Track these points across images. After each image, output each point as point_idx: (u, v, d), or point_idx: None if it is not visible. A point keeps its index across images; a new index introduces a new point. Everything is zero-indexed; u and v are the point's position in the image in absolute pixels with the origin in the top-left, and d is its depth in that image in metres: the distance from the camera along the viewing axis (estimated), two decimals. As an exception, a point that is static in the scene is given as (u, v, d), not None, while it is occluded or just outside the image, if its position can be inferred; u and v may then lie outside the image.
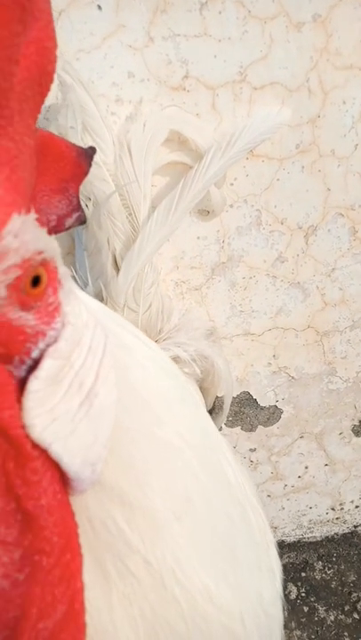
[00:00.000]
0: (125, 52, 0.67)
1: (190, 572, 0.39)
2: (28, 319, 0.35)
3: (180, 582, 0.38)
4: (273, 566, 0.51)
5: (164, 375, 0.46)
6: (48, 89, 0.39)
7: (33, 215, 0.35)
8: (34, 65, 0.37)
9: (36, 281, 0.35)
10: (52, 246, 0.37)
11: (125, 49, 0.67)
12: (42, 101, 0.39)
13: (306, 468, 1.11)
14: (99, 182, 0.70)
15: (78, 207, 0.46)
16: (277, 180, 0.76)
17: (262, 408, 1.01)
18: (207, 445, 0.46)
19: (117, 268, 0.77)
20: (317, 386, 0.99)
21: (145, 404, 0.42)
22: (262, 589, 0.46)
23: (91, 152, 0.47)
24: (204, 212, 0.79)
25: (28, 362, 0.36)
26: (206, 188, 0.71)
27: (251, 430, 1.04)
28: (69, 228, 0.45)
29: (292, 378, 0.97)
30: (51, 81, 0.39)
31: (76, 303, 0.41)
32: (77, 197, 0.46)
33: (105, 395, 0.38)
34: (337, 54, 0.68)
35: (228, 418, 1.02)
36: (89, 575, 0.34)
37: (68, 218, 0.45)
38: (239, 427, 1.03)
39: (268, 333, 0.92)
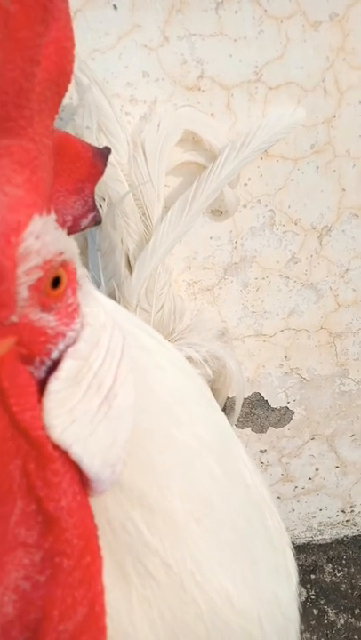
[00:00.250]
0: (140, 51, 0.67)
1: (209, 574, 0.38)
2: (49, 320, 0.35)
3: (199, 585, 0.38)
4: (289, 568, 0.50)
5: (181, 376, 0.46)
6: (66, 89, 0.39)
7: (53, 216, 0.35)
8: (53, 65, 0.37)
9: (55, 282, 0.35)
10: (71, 247, 0.37)
11: (140, 49, 0.67)
12: (60, 102, 0.39)
13: (316, 469, 1.11)
14: (113, 182, 0.70)
15: (94, 207, 0.45)
16: (292, 180, 0.76)
17: (273, 409, 1.01)
18: (225, 447, 0.46)
19: (130, 269, 0.76)
20: (329, 387, 0.98)
21: (163, 406, 0.42)
22: (280, 592, 0.46)
23: (106, 152, 0.47)
24: (217, 212, 0.79)
25: (48, 363, 0.35)
26: (220, 188, 0.71)
27: (261, 432, 1.04)
28: (85, 228, 0.45)
29: (304, 379, 0.97)
30: (69, 81, 0.39)
31: (94, 304, 0.41)
32: (93, 198, 0.46)
33: (124, 396, 0.38)
34: (353, 54, 0.68)
35: (238, 419, 1.02)
36: (109, 577, 0.34)
37: (83, 218, 0.45)
38: (250, 428, 1.03)
39: (280, 334, 0.91)
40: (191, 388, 0.46)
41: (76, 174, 0.44)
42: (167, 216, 0.71)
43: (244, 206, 0.78)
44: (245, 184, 0.76)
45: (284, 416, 1.02)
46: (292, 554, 0.52)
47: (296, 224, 0.79)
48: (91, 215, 0.46)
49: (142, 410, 0.40)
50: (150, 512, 0.38)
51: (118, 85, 0.69)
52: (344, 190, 0.77)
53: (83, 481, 0.35)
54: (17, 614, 0.30)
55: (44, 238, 0.33)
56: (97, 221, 0.46)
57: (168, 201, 0.74)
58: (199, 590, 0.37)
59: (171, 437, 0.41)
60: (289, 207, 0.78)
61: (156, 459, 0.39)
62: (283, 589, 0.47)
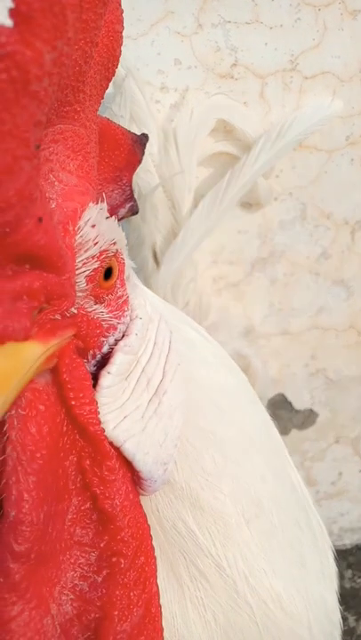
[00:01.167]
0: (173, 38, 0.66)
1: (261, 576, 0.37)
2: (102, 312, 0.33)
3: (251, 587, 0.36)
4: (332, 572, 0.48)
5: (227, 372, 0.44)
6: (113, 74, 0.38)
7: (105, 204, 0.33)
8: (104, 48, 0.35)
9: (107, 273, 0.33)
10: (121, 237, 0.35)
11: (173, 36, 0.65)
12: (107, 87, 0.38)
13: (340, 473, 1.08)
14: (143, 173, 0.68)
15: (131, 197, 0.44)
16: (325, 172, 0.74)
17: (297, 411, 0.99)
18: (272, 447, 0.44)
19: (157, 262, 0.75)
20: (356, 389, 0.96)
21: (211, 403, 0.40)
22: (327, 595, 0.44)
23: (145, 140, 0.45)
24: (247, 204, 0.77)
25: (98, 357, 0.34)
26: (253, 180, 0.69)
27: (284, 434, 1.02)
28: (122, 218, 0.43)
29: (330, 380, 0.95)
30: (116, 66, 0.38)
31: (141, 296, 0.39)
32: (131, 187, 0.44)
33: (174, 392, 0.37)
34: (393, 42, 0.66)
35: (260, 419, 1.00)
36: (162, 579, 0.32)
37: (121, 208, 0.43)
38: (272, 429, 1.01)
39: (307, 333, 0.89)
40: (237, 384, 0.44)
41: (115, 162, 0.43)
42: (198, 209, 0.70)
43: (275, 199, 0.76)
44: (277, 176, 0.74)
45: (308, 418, 0.99)
46: (333, 558, 0.50)
47: (328, 218, 0.77)
48: (128, 205, 0.44)
49: (190, 406, 0.38)
50: (202, 512, 0.36)
51: (149, 73, 0.67)
52: (378, 184, 0.76)
53: (133, 480, 0.34)
54: (76, 613, 0.29)
55: (99, 227, 0.32)
56: (134, 211, 0.44)
57: (197, 193, 0.72)
58: (252, 592, 0.36)
59: (219, 436, 0.39)
60: (321, 200, 0.76)
61: (206, 458, 0.37)
62: (329, 593, 0.45)
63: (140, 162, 0.45)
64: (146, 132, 0.69)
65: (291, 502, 0.42)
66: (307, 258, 0.81)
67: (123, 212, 0.44)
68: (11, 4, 0.20)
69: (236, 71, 0.67)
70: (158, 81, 0.68)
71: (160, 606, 0.31)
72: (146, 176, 0.68)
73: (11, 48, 0.19)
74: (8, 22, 0.20)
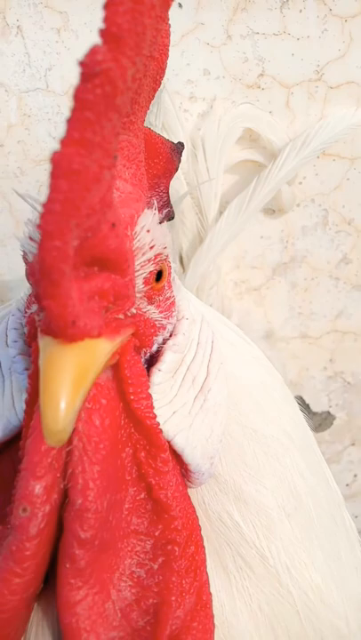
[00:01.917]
0: (203, 49, 0.67)
1: (302, 568, 0.38)
2: (155, 313, 0.35)
3: (293, 578, 0.37)
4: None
5: (265, 372, 0.45)
6: (160, 85, 0.40)
7: (157, 211, 0.35)
8: (154, 61, 0.37)
9: (158, 275, 0.35)
10: (169, 241, 0.37)
11: (203, 46, 0.67)
12: (153, 97, 0.39)
13: (355, 476, 1.10)
14: (172, 180, 0.69)
15: (168, 203, 0.46)
16: (347, 179, 0.76)
17: (315, 414, 1.00)
18: (308, 444, 0.45)
19: (183, 266, 0.76)
20: (373, 392, 0.97)
21: (252, 401, 0.41)
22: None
23: (181, 148, 0.47)
24: (270, 210, 0.79)
25: (147, 356, 0.36)
26: (278, 187, 0.71)
27: (301, 435, 1.03)
28: (160, 223, 0.45)
29: (348, 383, 0.96)
30: (163, 77, 0.40)
31: (185, 298, 0.41)
32: (168, 193, 0.46)
33: (218, 389, 0.38)
34: None
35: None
36: (210, 568, 0.34)
37: (158, 214, 0.45)
38: (289, 431, 1.02)
39: (326, 337, 0.90)
40: (274, 382, 0.46)
41: (154, 170, 0.44)
42: (224, 214, 0.71)
43: (298, 205, 0.78)
44: (300, 182, 0.76)
45: (325, 420, 1.01)
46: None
47: (350, 224, 0.79)
48: (165, 211, 0.46)
49: (232, 403, 0.40)
50: (246, 505, 0.37)
51: (179, 83, 0.69)
52: None
53: (182, 473, 0.35)
54: (135, 599, 0.30)
55: (153, 232, 0.33)
56: (171, 217, 0.46)
57: (222, 199, 0.74)
58: (294, 583, 0.37)
59: (260, 432, 0.40)
60: (343, 207, 0.78)
61: (248, 453, 0.39)
62: (361, 588, 0.46)
63: (176, 169, 0.47)
64: (175, 139, 0.71)
65: (326, 497, 0.44)
66: (327, 263, 0.82)
67: (160, 217, 0.46)
68: (101, 25, 0.22)
69: (263, 81, 0.69)
70: (187, 91, 0.70)
71: (210, 594, 0.33)
72: (174, 183, 0.69)
73: (106, 65, 0.21)
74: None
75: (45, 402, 0.23)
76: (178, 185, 0.70)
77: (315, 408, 0.99)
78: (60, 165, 0.20)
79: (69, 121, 0.21)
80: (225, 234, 0.72)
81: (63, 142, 0.21)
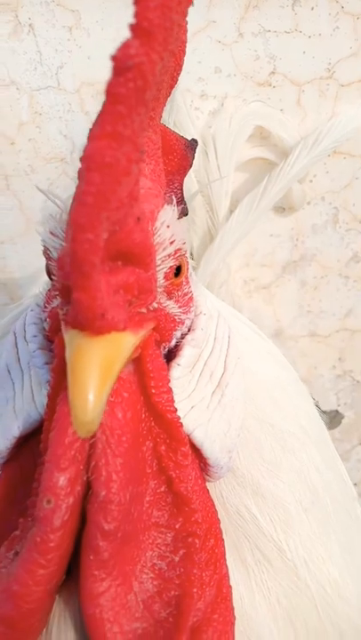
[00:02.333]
0: (214, 47, 0.68)
1: (319, 562, 0.38)
2: (174, 307, 0.35)
3: (311, 572, 0.37)
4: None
5: (280, 368, 0.46)
6: (176, 81, 0.40)
7: (176, 207, 0.35)
8: (173, 55, 0.37)
9: (177, 271, 0.35)
10: (186, 237, 0.37)
11: (214, 44, 0.67)
12: (170, 94, 0.40)
13: (363, 473, 1.10)
14: (184, 177, 0.70)
15: (182, 200, 0.46)
16: (357, 178, 0.76)
17: (323, 412, 1.00)
18: (323, 439, 0.45)
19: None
20: (382, 390, 0.97)
21: (268, 395, 0.42)
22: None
23: (195, 145, 0.47)
24: (280, 208, 0.79)
25: (165, 350, 0.36)
26: (289, 185, 0.71)
27: (309, 433, 1.03)
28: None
29: (357, 382, 0.96)
30: (179, 74, 0.40)
31: (202, 294, 0.41)
32: (182, 190, 0.46)
33: (235, 384, 0.38)
34: None
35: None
36: (229, 561, 0.34)
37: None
38: (297, 429, 1.02)
39: (335, 335, 0.91)
40: (289, 378, 0.46)
41: (168, 166, 0.44)
42: (235, 213, 0.72)
43: (308, 203, 0.78)
44: (311, 180, 0.76)
45: (333, 419, 1.01)
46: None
47: (360, 222, 0.79)
48: (179, 207, 0.46)
49: (249, 398, 0.40)
50: (263, 499, 0.37)
51: (190, 80, 0.69)
52: None
53: (200, 467, 0.35)
54: (156, 591, 0.30)
55: (173, 227, 0.34)
56: (185, 214, 0.46)
57: (233, 197, 0.74)
58: (311, 577, 0.37)
59: (277, 427, 0.40)
60: (353, 205, 0.78)
61: (265, 448, 0.39)
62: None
63: (190, 166, 0.47)
64: (187, 136, 0.71)
65: (342, 492, 0.44)
66: (337, 261, 0.83)
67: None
68: (132, 21, 0.22)
69: (274, 79, 0.69)
70: (198, 88, 0.70)
71: (230, 587, 0.33)
72: (185, 180, 0.69)
73: (138, 59, 0.21)
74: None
75: (74, 393, 0.23)
76: (189, 183, 0.70)
77: (323, 407, 0.99)
78: (93, 158, 0.21)
79: (101, 114, 0.21)
80: (236, 232, 0.72)
81: (95, 135, 0.21)
